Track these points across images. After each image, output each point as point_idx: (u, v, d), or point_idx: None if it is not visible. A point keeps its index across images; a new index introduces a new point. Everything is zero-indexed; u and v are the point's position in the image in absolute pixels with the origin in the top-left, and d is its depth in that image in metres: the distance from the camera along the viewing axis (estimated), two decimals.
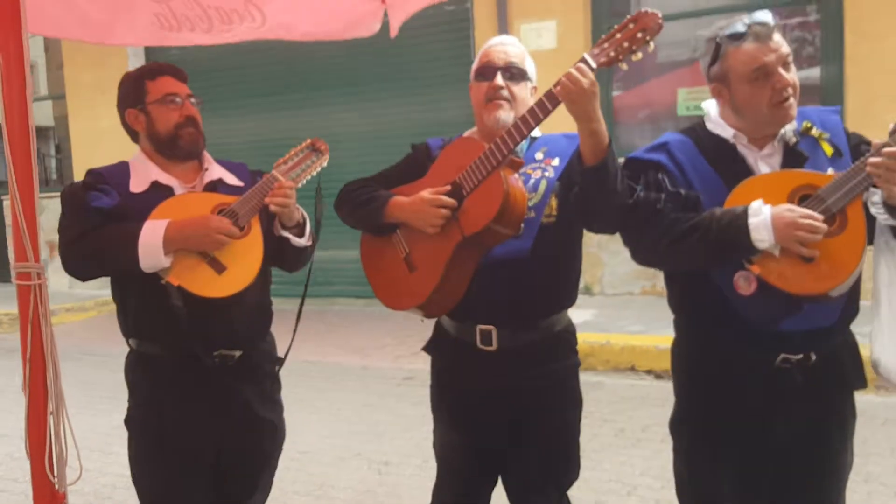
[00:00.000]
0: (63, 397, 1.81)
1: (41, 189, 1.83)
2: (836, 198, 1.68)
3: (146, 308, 2.06)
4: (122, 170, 2.15)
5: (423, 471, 3.63)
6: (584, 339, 5.26)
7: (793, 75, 1.80)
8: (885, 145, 1.63)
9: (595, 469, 3.55)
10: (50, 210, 6.95)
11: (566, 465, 2.16)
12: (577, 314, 6.90)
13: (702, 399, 2.00)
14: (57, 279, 5.90)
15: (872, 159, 1.62)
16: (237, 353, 2.11)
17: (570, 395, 2.14)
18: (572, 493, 2.16)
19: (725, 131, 1.88)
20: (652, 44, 1.75)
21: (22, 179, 1.72)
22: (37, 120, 1.89)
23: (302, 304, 2.27)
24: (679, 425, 2.06)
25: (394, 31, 2.65)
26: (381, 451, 3.99)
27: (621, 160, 1.90)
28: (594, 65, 1.76)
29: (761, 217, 1.70)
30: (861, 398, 1.96)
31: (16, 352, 1.80)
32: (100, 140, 8.45)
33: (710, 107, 1.94)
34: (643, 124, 6.99)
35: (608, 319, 5.98)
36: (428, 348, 2.23)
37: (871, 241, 1.80)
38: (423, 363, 2.36)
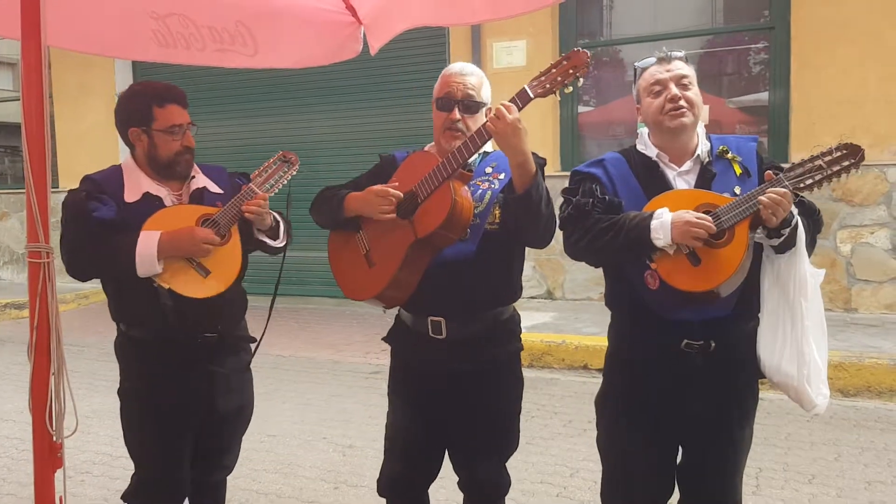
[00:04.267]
0: (64, 360, 1.98)
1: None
2: (730, 216, 1.93)
3: (138, 303, 2.30)
4: (116, 177, 2.35)
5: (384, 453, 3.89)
6: (542, 338, 5.62)
7: (689, 93, 2.07)
8: (777, 181, 1.90)
9: (543, 454, 3.84)
10: None
11: (507, 437, 2.41)
12: (538, 316, 7.15)
13: (623, 377, 2.25)
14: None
15: (767, 194, 1.88)
16: (216, 336, 2.39)
17: (511, 377, 2.38)
18: (521, 473, 2.31)
19: (650, 151, 2.15)
20: (581, 79, 2.02)
21: (37, 172, 1.95)
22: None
23: (273, 300, 2.57)
24: (603, 400, 2.32)
25: (374, 51, 2.83)
26: (346, 436, 4.21)
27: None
28: (532, 95, 2.03)
29: (662, 220, 1.98)
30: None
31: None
32: (83, 140, 8.61)
33: (643, 131, 2.23)
34: (605, 139, 7.28)
35: (566, 321, 6.28)
36: (388, 338, 2.48)
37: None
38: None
